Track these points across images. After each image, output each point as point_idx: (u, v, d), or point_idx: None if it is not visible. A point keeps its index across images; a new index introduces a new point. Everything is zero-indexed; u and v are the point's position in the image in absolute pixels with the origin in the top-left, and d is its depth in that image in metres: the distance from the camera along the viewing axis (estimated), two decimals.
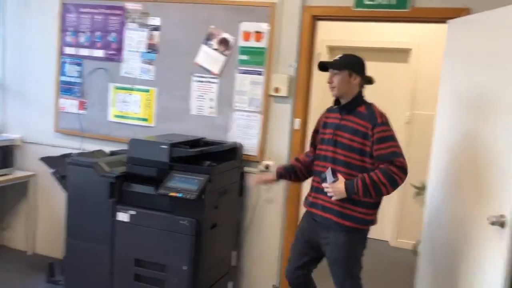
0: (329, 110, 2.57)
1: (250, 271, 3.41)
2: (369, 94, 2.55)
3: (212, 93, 3.33)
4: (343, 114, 2.44)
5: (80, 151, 3.51)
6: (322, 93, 3.82)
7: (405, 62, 4.82)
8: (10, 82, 3.95)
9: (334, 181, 2.35)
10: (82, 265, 2.97)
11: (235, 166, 3.17)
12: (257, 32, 3.20)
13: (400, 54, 4.82)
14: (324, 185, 2.40)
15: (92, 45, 3.62)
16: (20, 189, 3.91)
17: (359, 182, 2.28)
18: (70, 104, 3.73)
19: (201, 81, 3.35)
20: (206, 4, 3.30)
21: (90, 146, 3.63)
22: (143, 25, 3.46)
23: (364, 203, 2.36)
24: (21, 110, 3.94)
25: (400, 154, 2.30)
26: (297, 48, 3.15)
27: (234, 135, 3.30)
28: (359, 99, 2.43)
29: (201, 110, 3.39)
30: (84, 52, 3.65)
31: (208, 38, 3.32)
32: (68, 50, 3.70)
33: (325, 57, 4.68)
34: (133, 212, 2.80)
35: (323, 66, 2.49)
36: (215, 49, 3.30)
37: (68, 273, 3.04)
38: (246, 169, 3.30)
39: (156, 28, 3.43)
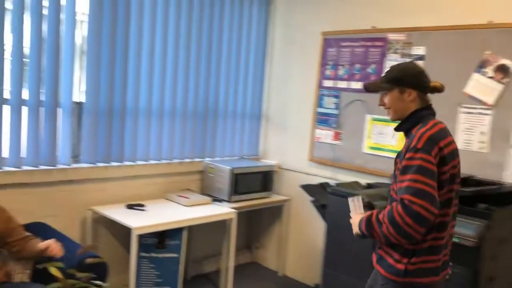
0: None
1: None
2: None
3: (483, 126, 2.97)
4: (406, 138, 1.94)
5: (334, 181, 3.57)
6: None
7: None
8: (272, 113, 4.35)
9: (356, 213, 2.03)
10: None
11: None
12: None
13: None
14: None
15: (350, 78, 3.69)
16: (275, 211, 4.21)
17: (364, 217, 1.88)
18: (325, 135, 3.87)
19: (471, 113, 3.03)
20: (480, 29, 2.99)
21: (342, 177, 3.67)
22: (406, 55, 3.35)
23: (399, 247, 1.83)
24: (280, 138, 4.28)
25: (415, 191, 1.67)
26: None
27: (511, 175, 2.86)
28: (413, 117, 1.91)
29: (469, 144, 3.05)
30: (342, 84, 3.75)
31: (482, 66, 2.99)
32: (327, 83, 3.86)
33: None
34: None
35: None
36: (490, 77, 2.95)
37: None
38: None
39: (419, 58, 3.28)
